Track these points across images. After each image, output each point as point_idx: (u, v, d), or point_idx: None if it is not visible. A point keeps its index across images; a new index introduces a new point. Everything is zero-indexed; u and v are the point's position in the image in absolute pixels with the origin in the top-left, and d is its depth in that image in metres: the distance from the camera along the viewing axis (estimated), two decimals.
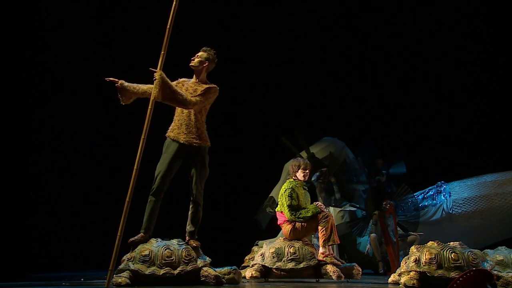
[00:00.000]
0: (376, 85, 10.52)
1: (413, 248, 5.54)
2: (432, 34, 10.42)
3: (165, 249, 4.99)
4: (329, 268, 5.93)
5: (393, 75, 10.41)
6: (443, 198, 8.69)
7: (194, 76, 5.42)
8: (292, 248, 6.03)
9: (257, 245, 7.22)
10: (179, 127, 5.27)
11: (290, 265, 5.96)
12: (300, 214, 6.16)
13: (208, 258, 5.20)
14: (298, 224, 6.18)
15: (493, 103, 10.00)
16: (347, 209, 8.52)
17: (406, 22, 10.31)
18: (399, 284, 5.42)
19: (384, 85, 10.42)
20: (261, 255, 6.16)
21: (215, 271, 5.10)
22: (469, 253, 5.37)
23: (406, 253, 6.10)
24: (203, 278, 5.02)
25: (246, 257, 6.98)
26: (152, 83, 4.99)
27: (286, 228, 6.26)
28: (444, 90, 10.29)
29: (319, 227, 6.09)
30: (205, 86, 5.31)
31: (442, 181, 8.90)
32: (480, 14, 10.07)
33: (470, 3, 10.02)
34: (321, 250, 6.05)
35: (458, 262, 5.26)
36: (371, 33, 10.58)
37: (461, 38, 10.14)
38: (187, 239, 5.26)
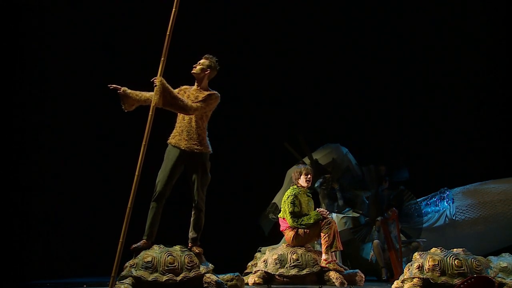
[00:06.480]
0: (379, 91, 10.50)
1: (416, 255, 5.52)
2: (436, 39, 10.41)
3: (168, 256, 4.99)
4: (332, 275, 5.91)
5: (396, 80, 10.39)
6: (446, 204, 8.64)
7: (196, 83, 5.43)
8: (295, 254, 6.03)
9: (259, 251, 7.19)
10: (180, 133, 5.28)
11: (293, 271, 5.94)
12: (302, 221, 6.16)
13: (210, 264, 5.20)
14: (300, 231, 6.18)
15: (497, 109, 9.97)
16: (350, 215, 8.50)
17: (409, 26, 10.30)
18: None
19: (387, 91, 10.40)
20: (264, 261, 6.15)
21: (217, 277, 5.10)
22: (472, 259, 5.35)
23: (409, 260, 6.07)
24: (205, 285, 5.02)
25: (249, 264, 6.96)
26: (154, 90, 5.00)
27: (288, 235, 6.26)
28: (448, 96, 10.26)
29: (322, 234, 6.08)
30: (207, 93, 5.32)
31: (445, 187, 8.86)
32: (482, 17, 10.08)
33: (474, 7, 10.03)
34: (323, 256, 6.03)
35: (462, 268, 5.24)
36: (374, 38, 10.57)
37: (463, 43, 10.13)
38: (189, 245, 5.26)
